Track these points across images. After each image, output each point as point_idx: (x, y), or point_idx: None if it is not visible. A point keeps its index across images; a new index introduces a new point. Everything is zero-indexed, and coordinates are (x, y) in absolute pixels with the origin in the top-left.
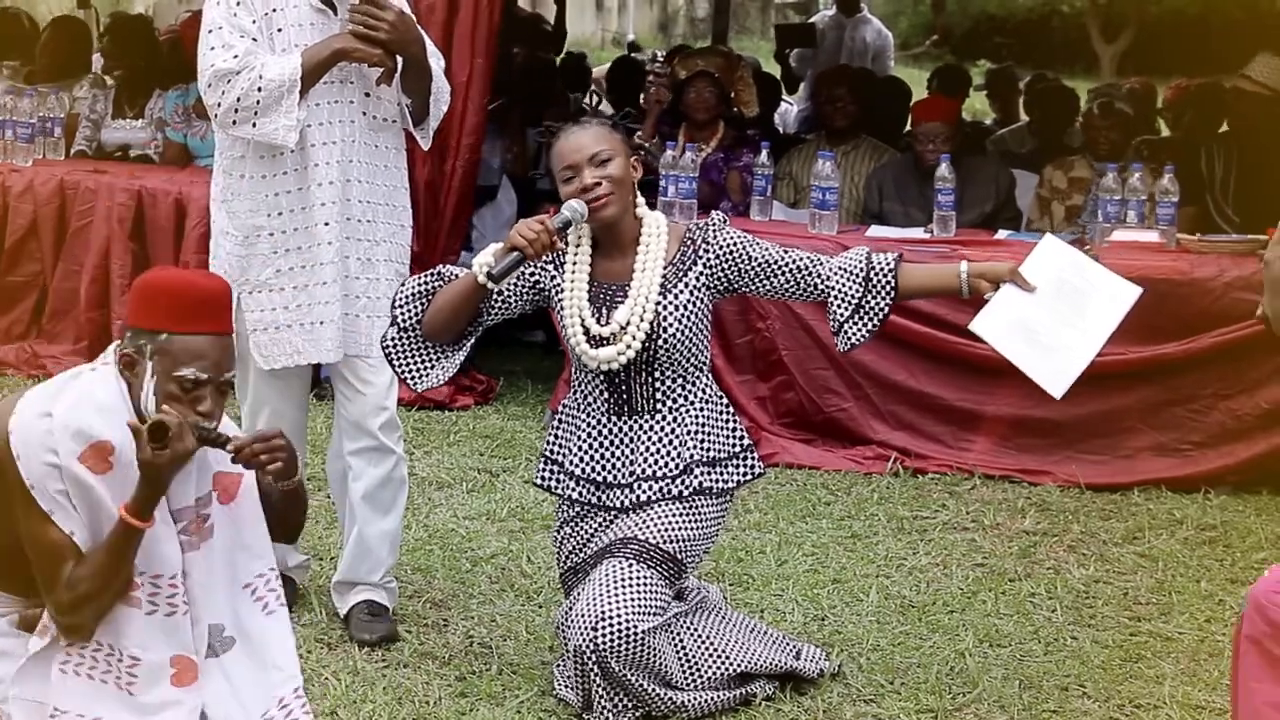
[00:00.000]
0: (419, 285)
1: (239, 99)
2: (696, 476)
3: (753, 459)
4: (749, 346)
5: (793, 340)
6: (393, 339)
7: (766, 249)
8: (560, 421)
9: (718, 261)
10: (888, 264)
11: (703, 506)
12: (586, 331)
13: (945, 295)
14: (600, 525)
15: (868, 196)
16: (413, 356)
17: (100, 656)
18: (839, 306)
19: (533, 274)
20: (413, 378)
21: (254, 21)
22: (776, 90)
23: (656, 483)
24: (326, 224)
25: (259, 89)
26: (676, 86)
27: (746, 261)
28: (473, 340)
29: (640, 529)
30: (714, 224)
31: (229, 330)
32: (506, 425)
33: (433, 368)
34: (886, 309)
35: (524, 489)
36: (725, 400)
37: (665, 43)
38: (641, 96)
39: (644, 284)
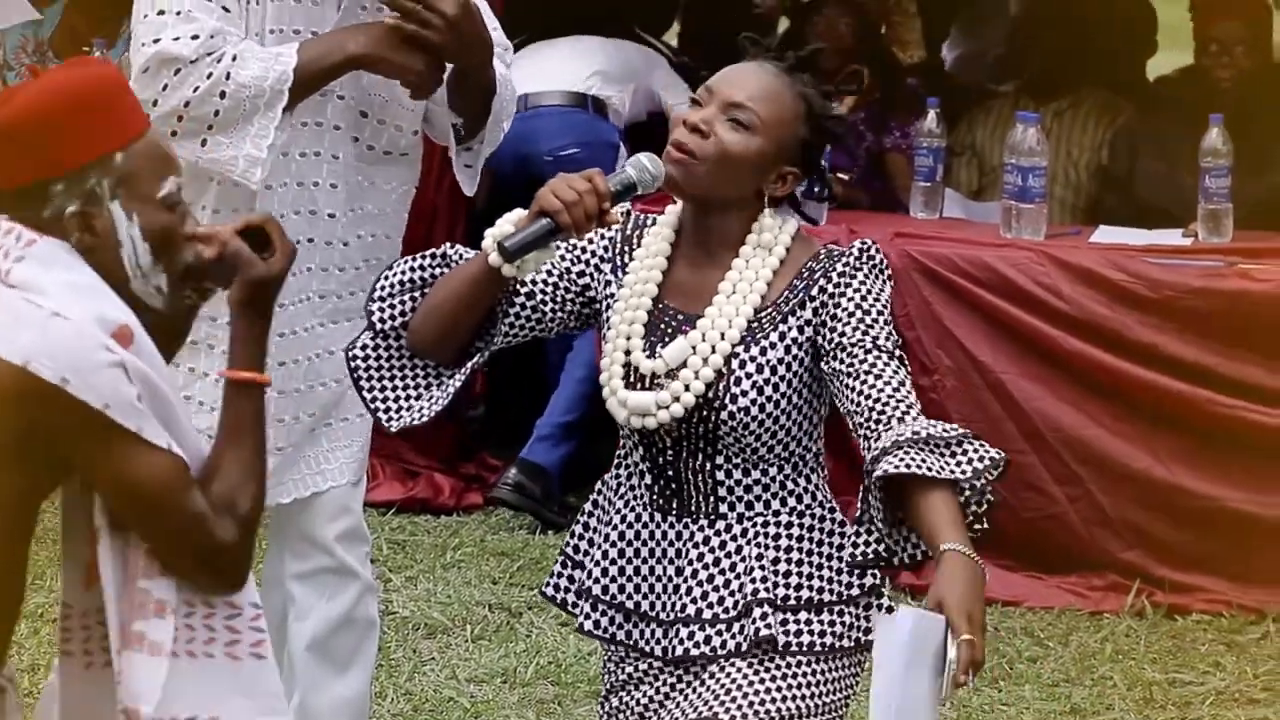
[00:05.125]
0: (410, 271)
1: (188, 102)
2: (755, 622)
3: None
4: None
5: (974, 405)
6: (364, 348)
7: (862, 319)
8: (595, 505)
9: (819, 312)
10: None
11: (807, 666)
12: (626, 365)
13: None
14: (660, 695)
15: (1095, 178)
16: (390, 378)
17: (198, 620)
18: (871, 430)
19: (581, 272)
20: (387, 409)
21: None
22: (949, 17)
23: (701, 628)
24: None
25: (222, 93)
26: (797, 10)
27: (832, 325)
28: (478, 361)
29: (724, 705)
30: (848, 254)
31: None
32: (535, 538)
33: (418, 397)
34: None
35: (561, 635)
36: (839, 516)
37: None
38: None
39: (724, 315)
